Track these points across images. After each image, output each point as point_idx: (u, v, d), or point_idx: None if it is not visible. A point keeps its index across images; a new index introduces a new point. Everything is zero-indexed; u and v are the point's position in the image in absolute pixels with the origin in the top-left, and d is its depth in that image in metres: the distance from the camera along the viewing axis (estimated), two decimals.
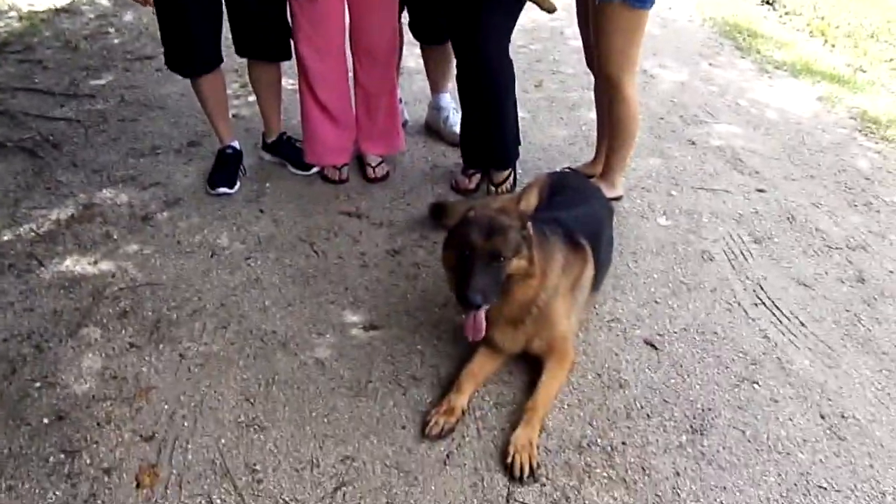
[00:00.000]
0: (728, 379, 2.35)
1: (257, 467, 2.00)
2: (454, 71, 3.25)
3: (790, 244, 3.05)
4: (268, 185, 3.40)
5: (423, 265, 2.86)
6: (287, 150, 3.51)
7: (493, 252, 2.02)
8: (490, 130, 3.21)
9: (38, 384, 2.26)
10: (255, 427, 2.13)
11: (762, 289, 2.77)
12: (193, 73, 3.16)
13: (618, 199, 3.25)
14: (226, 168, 3.35)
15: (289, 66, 3.32)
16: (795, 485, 1.99)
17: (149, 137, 3.80)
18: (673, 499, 1.95)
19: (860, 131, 4.10)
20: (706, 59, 5.20)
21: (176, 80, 3.99)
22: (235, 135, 3.50)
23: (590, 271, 2.41)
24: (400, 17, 3.25)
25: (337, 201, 3.28)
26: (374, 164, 3.43)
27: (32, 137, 3.74)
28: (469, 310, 2.06)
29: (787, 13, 6.42)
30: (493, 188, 3.33)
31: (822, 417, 2.21)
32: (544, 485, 1.97)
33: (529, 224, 2.13)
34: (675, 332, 2.54)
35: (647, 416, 2.20)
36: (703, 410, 2.23)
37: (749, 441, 2.12)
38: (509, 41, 3.06)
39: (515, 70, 3.13)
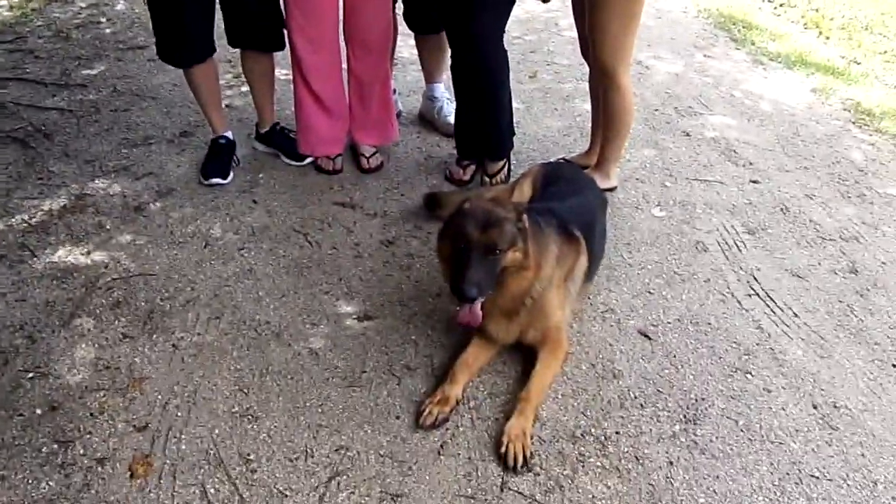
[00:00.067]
0: (721, 369, 2.36)
1: (251, 457, 2.00)
2: (448, 61, 3.24)
3: (784, 235, 3.06)
4: (261, 175, 3.39)
5: (417, 255, 2.86)
6: (280, 141, 3.49)
7: (489, 245, 2.02)
8: (484, 121, 3.20)
9: (30, 375, 2.25)
10: (249, 417, 2.13)
11: (756, 279, 2.78)
12: (185, 63, 3.14)
13: (612, 189, 3.25)
14: (219, 158, 3.34)
15: (282, 57, 3.30)
16: (788, 474, 2.00)
17: (141, 127, 3.78)
18: (666, 487, 1.96)
19: (854, 123, 4.11)
20: (701, 50, 5.20)
21: (168, 70, 3.97)
22: (229, 125, 3.48)
23: (583, 262, 2.41)
24: (394, 7, 3.23)
25: (331, 192, 3.27)
26: (367, 155, 3.42)
27: (24, 128, 3.71)
28: (464, 303, 2.06)
29: (781, 5, 6.41)
30: (487, 179, 3.32)
31: (815, 407, 2.22)
32: (538, 474, 1.98)
33: (525, 216, 2.12)
34: (669, 323, 2.55)
35: (641, 405, 2.21)
36: (696, 400, 2.23)
37: (742, 431, 2.13)
38: (504, 32, 3.05)
39: (510, 61, 3.12)
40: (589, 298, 2.63)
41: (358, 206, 3.17)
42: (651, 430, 2.13)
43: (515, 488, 1.94)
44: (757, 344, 2.47)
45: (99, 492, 1.89)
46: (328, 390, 2.23)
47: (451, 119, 3.50)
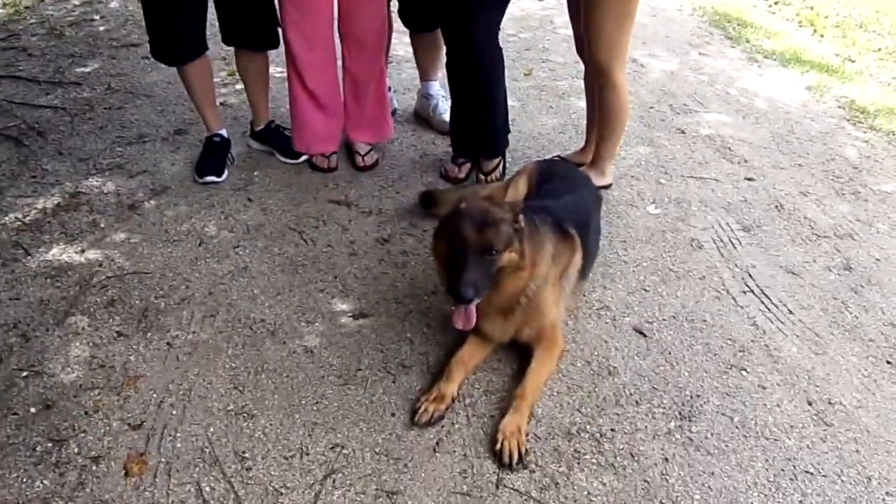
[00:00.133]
0: (716, 366, 2.36)
1: (246, 455, 2.00)
2: (444, 59, 3.24)
3: (778, 232, 3.07)
4: (256, 173, 3.38)
5: (413, 253, 2.86)
6: (275, 139, 3.49)
7: (485, 245, 2.02)
8: (480, 119, 3.20)
9: (24, 373, 2.24)
10: (244, 415, 2.12)
11: (750, 277, 2.78)
12: (176, 61, 3.13)
13: (607, 187, 3.26)
14: (213, 156, 3.33)
15: (277, 54, 3.29)
16: (783, 470, 2.01)
17: (136, 125, 3.77)
18: (661, 484, 1.96)
19: (848, 120, 4.12)
20: (696, 48, 5.21)
21: (163, 68, 3.95)
22: (223, 123, 3.47)
23: (578, 260, 2.41)
24: (389, 5, 3.23)
25: (326, 189, 3.27)
26: (363, 153, 3.42)
27: (17, 126, 3.70)
28: (461, 304, 2.06)
29: (776, 3, 6.43)
30: (482, 177, 3.32)
31: (810, 404, 2.23)
32: (534, 471, 1.98)
33: (521, 216, 2.12)
34: (664, 320, 2.55)
35: (636, 402, 2.21)
36: (691, 397, 2.24)
37: (737, 427, 2.14)
38: (499, 29, 3.05)
39: (505, 58, 3.12)
40: (584, 296, 2.63)
41: (353, 204, 3.16)
42: (646, 426, 2.13)
43: (511, 485, 1.94)
44: (752, 341, 2.47)
45: (93, 490, 1.89)
46: (323, 388, 2.23)
47: (447, 117, 3.50)
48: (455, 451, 2.03)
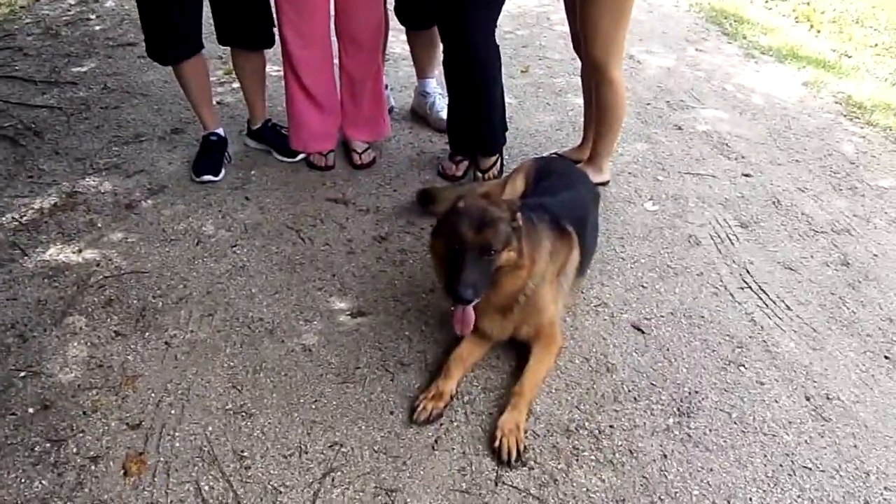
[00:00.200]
0: (714, 362, 2.37)
1: (245, 454, 2.00)
2: (440, 56, 3.24)
3: (776, 228, 3.07)
4: (253, 172, 3.38)
5: (410, 251, 2.85)
6: (272, 137, 3.48)
7: (484, 245, 2.01)
8: (477, 116, 3.19)
9: (22, 374, 2.24)
10: (243, 414, 2.12)
11: (748, 273, 2.78)
12: (170, 60, 3.12)
13: (605, 184, 3.26)
14: (210, 155, 3.32)
15: (273, 53, 3.29)
16: (781, 465, 2.01)
17: (132, 125, 3.77)
18: (660, 480, 1.96)
19: (845, 116, 4.12)
20: (693, 44, 5.21)
21: (159, 67, 3.92)
22: (220, 122, 3.47)
23: (576, 257, 2.41)
24: (386, 2, 3.22)
25: (323, 188, 3.26)
26: (360, 151, 3.41)
27: (14, 125, 3.69)
28: (459, 304, 2.06)
29: None
30: (479, 174, 3.32)
31: (808, 399, 2.23)
32: (532, 468, 1.98)
33: (519, 215, 2.12)
34: (662, 316, 2.55)
35: (635, 399, 2.22)
36: (689, 393, 2.24)
37: (735, 423, 2.14)
38: (496, 27, 3.04)
39: (502, 56, 3.12)
40: (582, 293, 2.63)
41: (350, 202, 3.16)
42: (645, 423, 2.13)
43: (510, 482, 1.94)
44: (750, 337, 2.48)
45: (92, 490, 1.89)
46: (322, 387, 2.23)
47: (444, 114, 3.50)
48: (454, 449, 2.03)
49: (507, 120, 3.35)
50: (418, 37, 3.60)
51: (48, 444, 2.01)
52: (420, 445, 2.04)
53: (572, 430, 2.10)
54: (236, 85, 3.77)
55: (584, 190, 2.73)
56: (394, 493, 1.90)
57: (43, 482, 1.91)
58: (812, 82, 4.54)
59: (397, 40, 4.19)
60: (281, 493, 1.89)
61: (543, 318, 2.26)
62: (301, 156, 3.44)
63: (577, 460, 2.01)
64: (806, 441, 2.09)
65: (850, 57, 5.08)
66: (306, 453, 2.00)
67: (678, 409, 2.18)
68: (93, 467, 1.95)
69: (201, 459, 1.98)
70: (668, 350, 2.41)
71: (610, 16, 2.79)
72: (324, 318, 2.50)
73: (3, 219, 2.97)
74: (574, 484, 1.94)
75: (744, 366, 2.35)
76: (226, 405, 2.15)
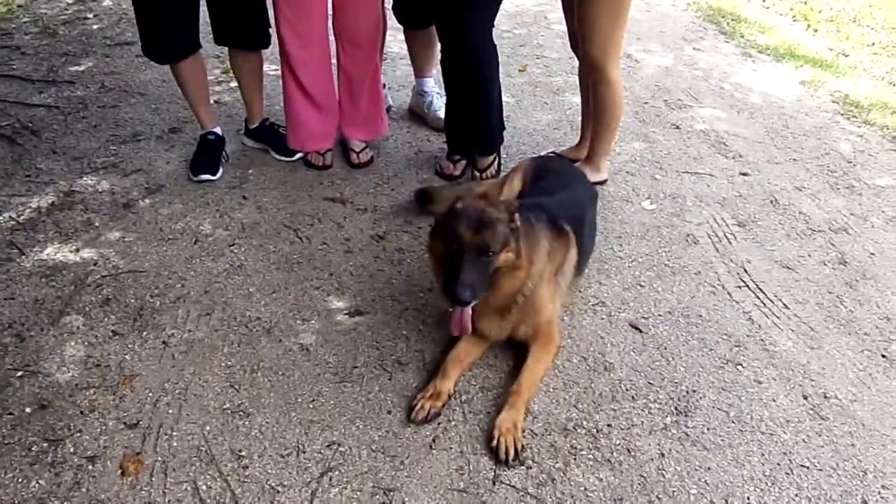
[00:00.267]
0: (712, 361, 2.37)
1: (243, 453, 2.00)
2: (438, 56, 3.23)
3: (773, 227, 3.07)
4: (251, 171, 3.37)
5: (408, 250, 2.85)
6: (270, 136, 3.48)
7: (482, 247, 2.01)
8: (474, 115, 3.19)
9: (19, 373, 2.23)
10: (241, 413, 2.12)
11: (746, 271, 2.79)
12: (166, 59, 3.11)
13: (602, 183, 3.26)
14: (208, 154, 3.32)
15: (271, 52, 3.28)
16: (778, 464, 2.01)
17: (130, 124, 3.76)
18: (658, 479, 1.96)
19: (842, 115, 4.13)
20: (690, 43, 5.21)
21: (157, 67, 3.94)
22: (218, 121, 3.46)
23: (573, 256, 2.41)
24: (383, 2, 3.22)
25: (321, 187, 3.26)
26: (357, 150, 3.41)
27: (11, 124, 3.68)
28: (458, 305, 2.06)
29: None
30: (477, 173, 3.32)
31: (805, 398, 2.24)
32: (530, 467, 1.98)
33: (517, 216, 2.12)
34: (660, 315, 2.56)
35: (633, 398, 2.22)
36: (687, 392, 2.24)
37: (733, 422, 2.14)
38: (493, 26, 3.04)
39: (500, 55, 3.12)
40: (580, 292, 2.63)
41: (348, 202, 3.16)
42: (642, 422, 2.14)
43: (508, 482, 1.94)
44: (747, 335, 2.48)
45: (90, 490, 1.88)
46: (319, 386, 2.22)
47: (441, 113, 3.50)
48: (451, 448, 2.03)
49: (505, 119, 3.34)
50: (416, 36, 3.59)
51: (45, 444, 2.00)
52: (418, 445, 2.04)
53: (570, 429, 2.10)
54: (234, 84, 3.76)
55: (581, 189, 2.73)
56: (392, 493, 1.90)
57: (40, 482, 1.90)
58: (809, 81, 4.55)
59: (395, 39, 4.19)
60: (279, 492, 1.89)
61: (541, 318, 2.26)
62: (299, 155, 3.43)
63: (574, 459, 2.01)
64: (803, 440, 2.09)
65: (847, 56, 5.09)
66: (304, 453, 2.00)
67: (676, 408, 2.18)
68: (90, 467, 1.94)
69: (199, 459, 1.98)
70: (665, 349, 2.41)
71: (608, 15, 2.79)
72: (321, 318, 2.50)
73: (1, 218, 2.96)
74: (572, 483, 1.94)
75: (741, 365, 2.36)
76: (223, 404, 2.15)
